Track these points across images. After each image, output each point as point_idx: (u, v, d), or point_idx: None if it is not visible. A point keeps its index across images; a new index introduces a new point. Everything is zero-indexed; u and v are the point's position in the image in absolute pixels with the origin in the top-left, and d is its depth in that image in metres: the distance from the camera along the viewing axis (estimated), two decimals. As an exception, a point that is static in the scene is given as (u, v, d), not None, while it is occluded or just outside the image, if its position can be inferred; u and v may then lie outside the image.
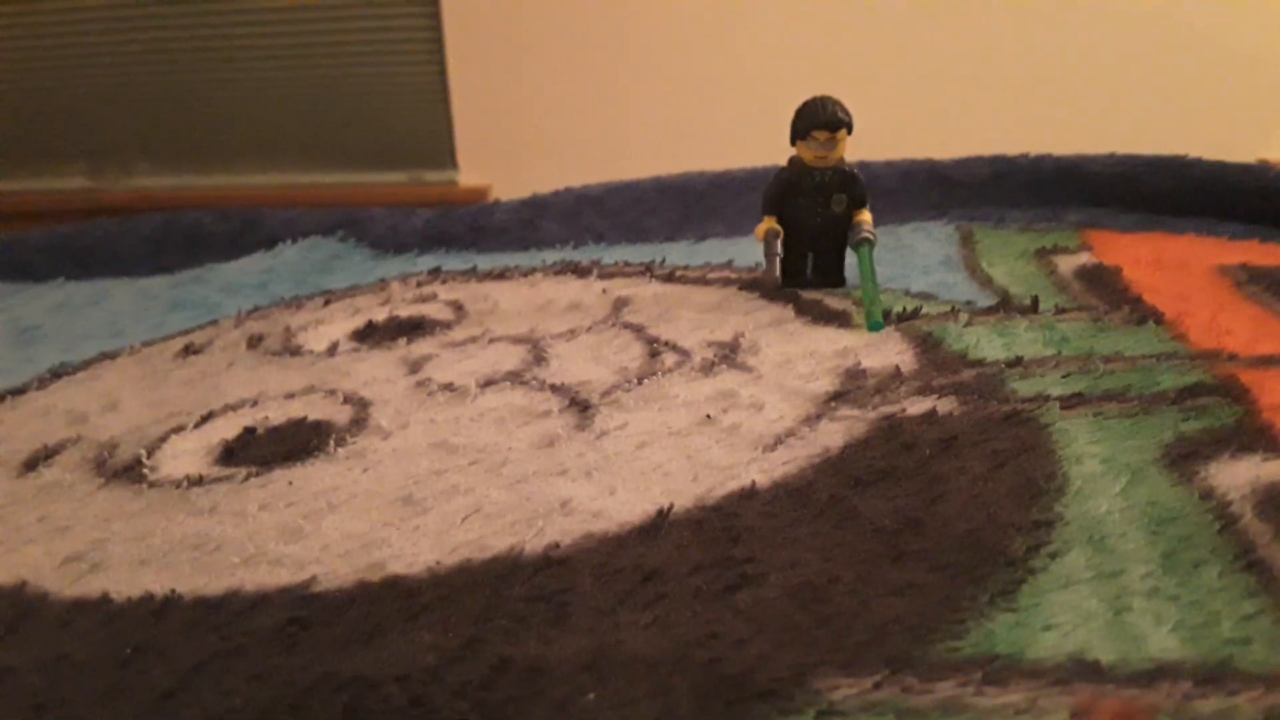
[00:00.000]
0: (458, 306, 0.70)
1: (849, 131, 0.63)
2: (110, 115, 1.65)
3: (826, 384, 0.52)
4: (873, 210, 0.66)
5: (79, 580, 0.40)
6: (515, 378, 0.56)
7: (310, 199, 1.55)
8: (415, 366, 0.59)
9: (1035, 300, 0.62)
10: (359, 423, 0.52)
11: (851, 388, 0.51)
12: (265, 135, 1.63)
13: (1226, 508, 0.39)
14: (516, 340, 0.62)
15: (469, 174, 1.55)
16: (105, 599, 0.38)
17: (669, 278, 0.73)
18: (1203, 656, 0.31)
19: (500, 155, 1.52)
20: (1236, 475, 0.41)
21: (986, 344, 0.56)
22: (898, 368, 0.53)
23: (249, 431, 0.52)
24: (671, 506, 0.41)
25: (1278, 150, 1.43)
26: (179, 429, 0.54)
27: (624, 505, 0.42)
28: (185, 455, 0.51)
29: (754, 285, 0.69)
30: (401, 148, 1.60)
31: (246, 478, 0.47)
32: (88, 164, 1.71)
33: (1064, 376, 0.51)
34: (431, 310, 0.70)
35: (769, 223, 0.66)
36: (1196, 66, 1.35)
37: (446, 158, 1.58)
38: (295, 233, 0.92)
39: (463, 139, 1.54)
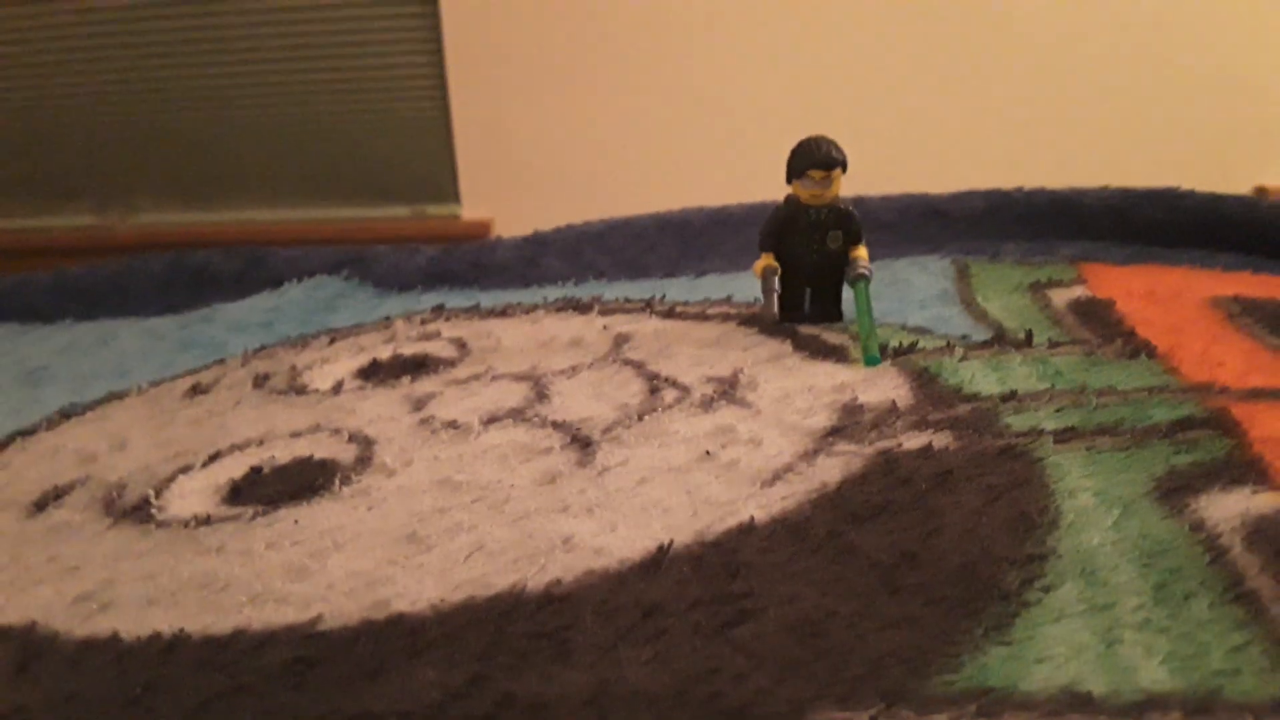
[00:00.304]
0: (461, 344, 0.71)
1: (843, 170, 0.65)
2: (115, 153, 1.67)
3: (824, 419, 0.53)
4: (869, 245, 0.67)
5: (88, 620, 0.41)
6: (518, 415, 0.57)
7: (314, 234, 1.57)
8: (419, 404, 0.60)
9: (1029, 334, 0.63)
10: (364, 461, 0.53)
11: (849, 423, 0.52)
12: (270, 171, 1.66)
13: (1216, 540, 0.39)
14: (519, 377, 0.63)
15: (471, 208, 1.57)
16: (115, 638, 0.39)
17: (669, 314, 0.74)
18: (1193, 687, 0.32)
19: (502, 190, 1.54)
20: (1227, 508, 0.41)
21: (981, 378, 0.57)
22: (894, 403, 0.54)
23: (255, 471, 0.53)
24: (671, 542, 0.42)
25: (1274, 178, 1.44)
26: (186, 469, 0.54)
27: (625, 541, 0.42)
28: (193, 495, 0.51)
29: (752, 321, 0.70)
30: (404, 182, 1.62)
31: (253, 517, 0.48)
32: (93, 201, 1.73)
33: (1057, 411, 0.52)
34: (435, 348, 0.71)
35: (766, 259, 0.67)
36: (1192, 96, 1.37)
37: (449, 192, 1.60)
38: (300, 271, 0.93)
39: (465, 174, 1.56)
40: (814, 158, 0.64)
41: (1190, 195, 0.92)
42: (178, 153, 1.67)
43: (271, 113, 1.61)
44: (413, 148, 1.59)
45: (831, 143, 0.64)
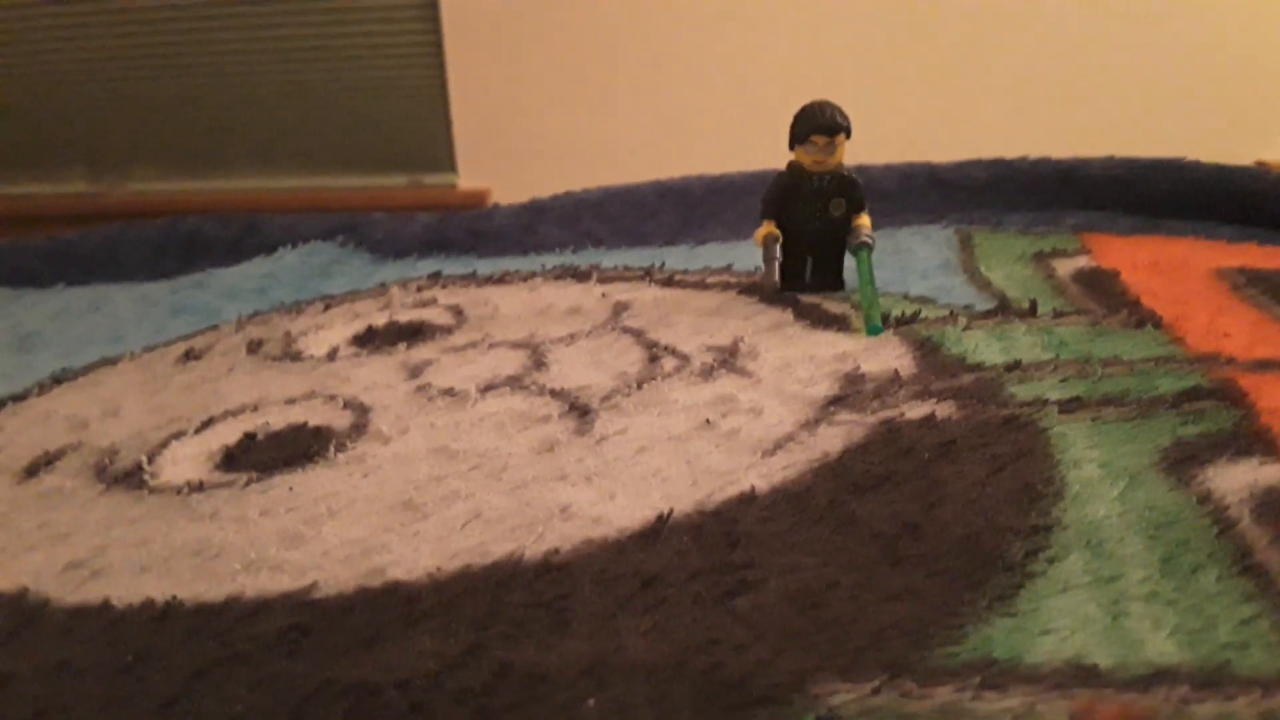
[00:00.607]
0: (457, 311, 0.70)
1: (847, 136, 0.64)
2: (109, 120, 1.65)
3: (825, 388, 0.52)
4: (871, 214, 0.66)
5: (80, 587, 0.40)
6: (515, 383, 0.56)
7: (309, 203, 1.55)
8: (415, 371, 0.59)
9: (1034, 304, 0.62)
10: (359, 428, 0.52)
11: (850, 392, 0.51)
12: (264, 140, 1.64)
13: (1224, 511, 0.39)
14: (516, 345, 0.62)
15: (468, 178, 1.56)
16: (106, 605, 0.38)
17: (668, 282, 0.74)
18: (1200, 660, 0.31)
19: (499, 159, 1.52)
20: (1234, 479, 0.41)
21: (985, 348, 0.56)
22: (896, 372, 0.53)
23: (249, 437, 0.52)
24: (671, 512, 0.41)
25: (1277, 152, 1.43)
26: (179, 435, 0.54)
27: (623, 510, 0.42)
28: (186, 461, 0.51)
29: (753, 289, 0.69)
30: (401, 152, 1.60)
31: (247, 484, 0.47)
32: (86, 168, 1.71)
33: (1062, 380, 0.51)
34: (431, 315, 0.70)
35: (768, 227, 0.66)
36: (1195, 69, 1.35)
37: (446, 161, 1.58)
38: (295, 238, 0.92)
39: (462, 143, 1.54)
40: (817, 122, 0.63)
41: (1196, 166, 0.91)
42: (172, 121, 1.65)
43: (267, 81, 1.59)
44: (409, 117, 1.58)
45: (835, 107, 0.63)
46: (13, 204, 1.70)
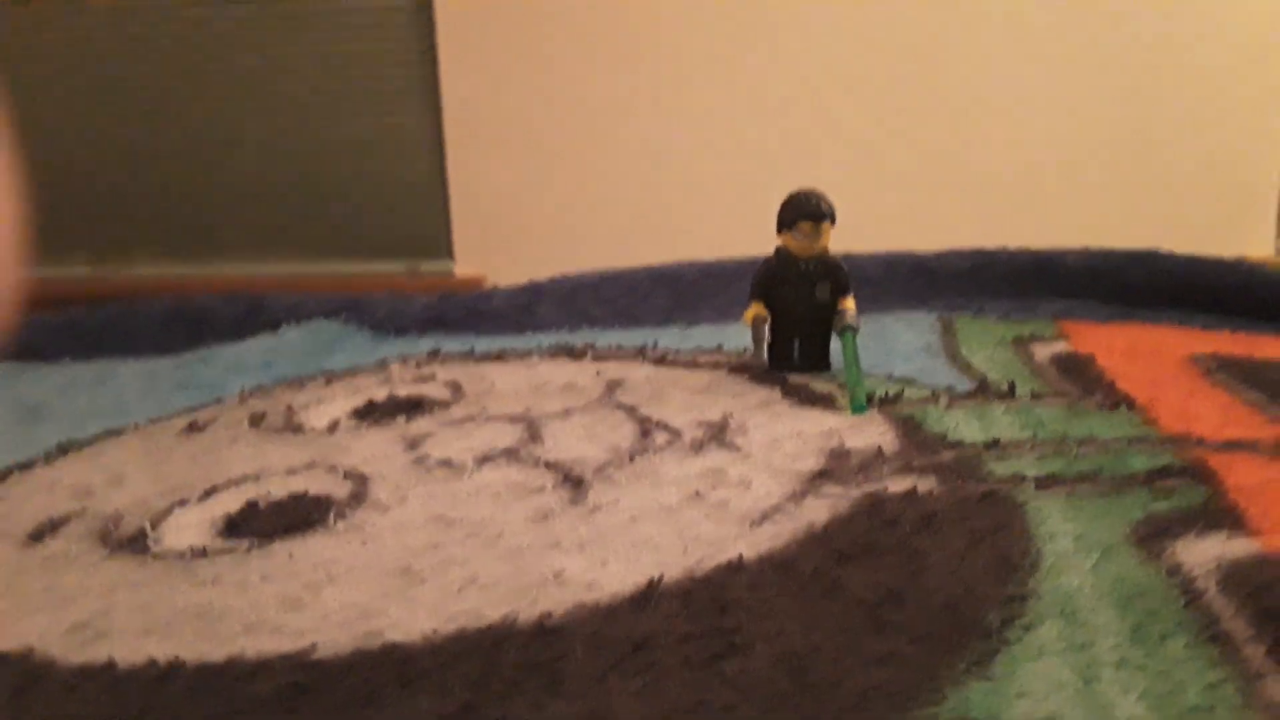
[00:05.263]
0: (456, 386, 0.72)
1: (832, 222, 0.67)
2: (110, 207, 1.69)
3: (812, 463, 0.54)
4: (856, 300, 0.69)
5: (84, 647, 0.41)
6: (511, 455, 0.58)
7: (308, 288, 1.58)
8: (414, 443, 0.61)
9: (1012, 385, 0.64)
10: (358, 497, 0.54)
11: (836, 466, 0.53)
12: (265, 227, 1.67)
13: (1192, 583, 0.40)
14: (513, 419, 0.64)
15: (465, 265, 1.59)
16: (110, 665, 0.39)
17: (661, 361, 0.76)
18: (1169, 723, 0.33)
19: (495, 247, 1.56)
20: (1202, 552, 0.42)
21: (965, 426, 0.58)
22: (880, 448, 0.55)
23: (251, 505, 0.54)
24: (662, 578, 0.42)
25: (1256, 249, 1.47)
26: (183, 502, 0.55)
27: (615, 577, 0.43)
28: (189, 528, 0.52)
29: (743, 369, 0.72)
30: (398, 239, 1.64)
31: (249, 550, 0.49)
32: (89, 254, 1.74)
33: (1039, 458, 0.53)
34: (430, 390, 0.72)
35: (757, 308, 0.69)
36: (1175, 170, 1.40)
37: (443, 248, 1.62)
38: (299, 316, 0.94)
39: (459, 230, 1.58)
40: (804, 209, 0.66)
41: (1170, 257, 0.95)
42: (172, 208, 1.68)
43: (267, 169, 1.63)
44: (408, 204, 1.62)
45: (821, 195, 0.67)
46: (16, 284, 1.72)
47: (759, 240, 0.72)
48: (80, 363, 0.90)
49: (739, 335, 0.76)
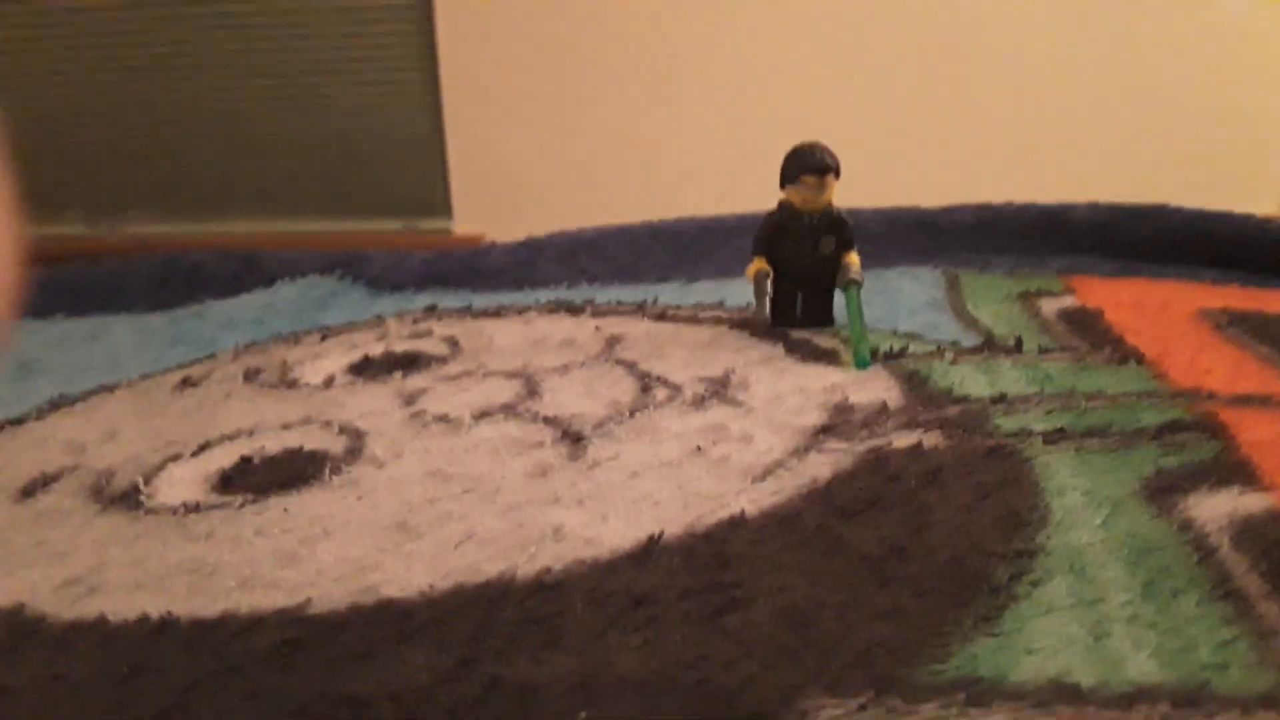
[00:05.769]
0: (453, 342, 0.71)
1: (836, 176, 0.65)
2: (105, 165, 1.67)
3: (815, 418, 0.53)
4: (861, 256, 0.67)
5: (76, 603, 0.40)
6: (509, 410, 0.57)
7: (305, 245, 1.56)
8: (410, 399, 0.60)
9: (1019, 340, 0.63)
10: (354, 452, 0.53)
11: (839, 422, 0.52)
12: (261, 185, 1.65)
13: (1204, 539, 0.39)
14: (510, 375, 0.63)
15: (463, 223, 1.57)
16: (102, 620, 0.39)
17: (661, 316, 0.75)
18: (1181, 680, 0.32)
19: (494, 204, 1.54)
20: (1214, 508, 0.42)
21: (971, 381, 0.57)
22: (884, 403, 0.54)
23: (245, 460, 0.53)
24: (662, 533, 0.42)
25: (1266, 206, 1.46)
26: (176, 458, 0.54)
27: (615, 532, 0.42)
28: (182, 483, 0.51)
29: (744, 324, 0.71)
30: (397, 196, 1.62)
31: (243, 505, 0.48)
32: (83, 212, 1.72)
33: (1047, 413, 0.52)
34: (427, 345, 0.71)
35: (759, 263, 0.68)
36: (1184, 127, 1.38)
37: (442, 206, 1.60)
38: (294, 272, 0.93)
39: (458, 188, 1.56)
40: (808, 162, 0.65)
41: (1178, 212, 0.93)
42: (168, 166, 1.66)
43: (264, 126, 1.61)
44: (406, 162, 1.59)
45: (825, 149, 0.65)
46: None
47: (761, 195, 0.71)
48: (74, 319, 0.89)
49: (741, 291, 0.75)
